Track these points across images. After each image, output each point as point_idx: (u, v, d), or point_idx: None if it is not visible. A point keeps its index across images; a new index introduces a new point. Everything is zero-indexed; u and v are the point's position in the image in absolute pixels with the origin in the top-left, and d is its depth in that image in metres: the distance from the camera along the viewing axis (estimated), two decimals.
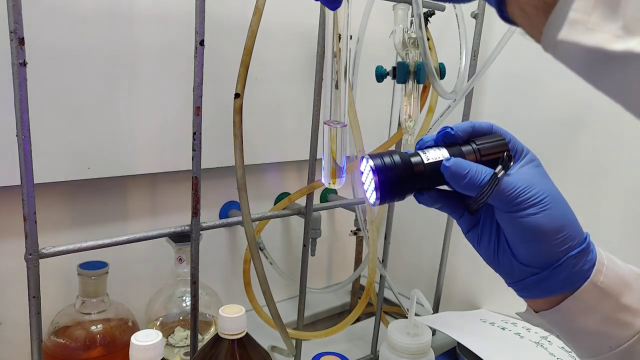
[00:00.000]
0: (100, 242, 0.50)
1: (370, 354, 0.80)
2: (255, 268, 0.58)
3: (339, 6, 0.39)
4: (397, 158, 0.37)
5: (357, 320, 0.94)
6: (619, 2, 0.19)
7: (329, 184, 0.46)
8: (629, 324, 0.34)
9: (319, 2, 0.40)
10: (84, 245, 0.49)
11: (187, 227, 0.56)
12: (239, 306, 0.51)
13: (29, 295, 0.46)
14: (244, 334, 0.51)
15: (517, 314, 0.43)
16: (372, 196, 0.38)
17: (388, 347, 0.60)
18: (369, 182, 0.37)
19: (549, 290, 0.35)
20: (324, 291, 0.89)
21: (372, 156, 0.37)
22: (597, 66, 0.20)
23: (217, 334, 0.51)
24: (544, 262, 0.35)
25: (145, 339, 0.45)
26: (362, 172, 0.38)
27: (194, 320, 0.57)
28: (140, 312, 0.73)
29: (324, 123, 0.46)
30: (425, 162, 0.37)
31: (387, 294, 0.92)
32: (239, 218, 0.59)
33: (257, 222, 0.71)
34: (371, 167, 0.36)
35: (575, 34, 0.20)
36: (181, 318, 0.73)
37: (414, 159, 0.37)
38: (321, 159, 0.48)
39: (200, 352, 0.53)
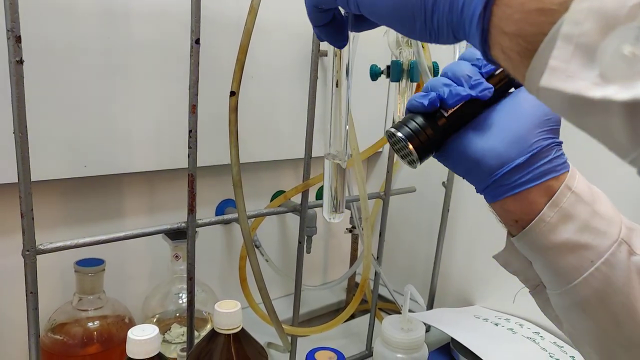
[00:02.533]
0: (97, 238, 0.51)
1: (365, 350, 0.81)
2: (250, 264, 0.59)
3: (345, 45, 0.39)
4: (420, 120, 0.38)
5: (352, 317, 0.95)
6: (595, 50, 0.20)
7: (330, 219, 0.46)
8: (606, 232, 0.34)
9: None
10: (81, 241, 0.49)
11: (183, 224, 0.56)
12: (235, 301, 0.52)
13: (26, 291, 0.47)
14: (239, 329, 0.52)
15: (494, 257, 0.43)
16: (412, 162, 0.39)
17: (382, 343, 0.61)
18: (404, 151, 0.39)
19: (527, 181, 0.35)
20: (320, 288, 0.90)
21: (397, 128, 0.39)
22: (579, 111, 0.21)
23: (213, 329, 0.52)
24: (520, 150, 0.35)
25: (141, 334, 0.45)
26: (392, 144, 0.40)
27: (191, 316, 0.58)
28: (137, 310, 0.73)
29: (325, 157, 0.46)
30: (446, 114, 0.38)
31: (382, 291, 0.92)
32: (235, 215, 0.60)
33: (252, 220, 0.72)
34: (401, 137, 0.38)
35: (556, 81, 0.21)
36: (178, 315, 0.73)
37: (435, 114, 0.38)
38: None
39: (196, 347, 0.54)
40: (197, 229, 0.57)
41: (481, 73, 0.38)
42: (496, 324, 0.77)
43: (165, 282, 0.75)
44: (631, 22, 0.19)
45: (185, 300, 0.72)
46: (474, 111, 0.38)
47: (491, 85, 0.37)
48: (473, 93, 0.37)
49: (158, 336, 0.46)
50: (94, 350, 0.64)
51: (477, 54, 0.35)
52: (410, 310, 0.62)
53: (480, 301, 0.88)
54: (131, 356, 0.45)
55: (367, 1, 0.28)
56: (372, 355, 0.81)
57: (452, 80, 0.38)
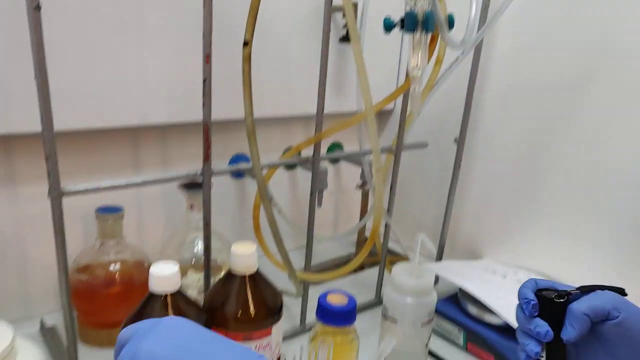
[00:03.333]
0: (117, 182, 0.53)
1: (374, 298, 0.84)
2: (265, 210, 0.60)
3: None
4: None
5: (362, 269, 0.97)
6: None
7: None
8: None
9: None
10: (103, 185, 0.51)
11: (199, 172, 0.58)
12: (251, 243, 0.54)
13: (54, 229, 0.49)
14: (255, 270, 0.54)
15: None
16: None
17: (392, 288, 0.63)
18: None
19: None
20: (330, 239, 0.92)
21: None
22: None
23: (229, 271, 0.54)
24: None
25: (163, 269, 0.47)
26: None
27: (208, 258, 0.60)
28: (154, 258, 0.76)
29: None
30: None
31: (392, 245, 0.95)
32: (249, 164, 0.61)
33: (266, 170, 0.73)
34: None
35: None
36: (193, 262, 0.76)
37: None
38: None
39: (212, 288, 0.56)
40: (211, 182, 0.58)
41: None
42: (504, 276, 0.78)
43: (180, 232, 0.77)
44: None
45: (200, 248, 0.75)
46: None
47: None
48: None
49: (179, 272, 0.48)
50: (116, 290, 0.67)
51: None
52: (419, 262, 0.63)
53: (489, 255, 0.90)
54: (153, 290, 0.48)
55: None
56: (381, 303, 0.83)
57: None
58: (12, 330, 0.47)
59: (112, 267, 0.67)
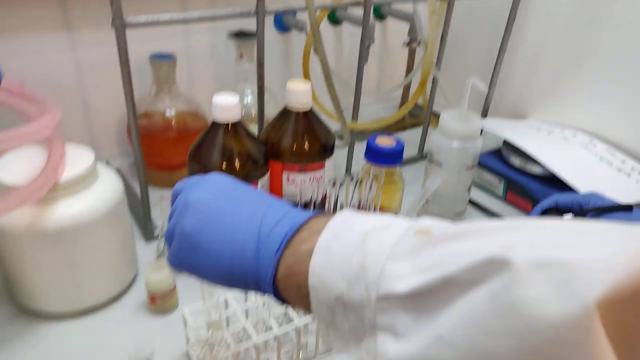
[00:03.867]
0: (175, 16, 0.53)
1: (417, 154, 0.86)
2: (316, 50, 0.60)
3: None
4: None
5: (404, 130, 0.99)
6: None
7: None
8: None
9: None
10: (161, 18, 0.52)
11: (252, 11, 0.57)
12: (306, 80, 0.55)
13: (120, 62, 0.51)
14: (309, 107, 0.56)
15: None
16: None
17: (439, 133, 0.64)
18: None
19: None
20: (375, 99, 0.93)
21: None
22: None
23: (284, 108, 0.56)
24: None
25: (225, 98, 0.50)
26: None
27: (261, 99, 0.62)
28: (206, 108, 0.79)
29: None
30: None
31: (436, 107, 0.94)
32: (302, 4, 0.60)
33: (318, 12, 0.72)
34: None
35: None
36: (243, 113, 0.79)
37: None
38: None
39: (269, 125, 0.59)
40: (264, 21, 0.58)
41: None
42: (550, 132, 0.79)
43: (229, 83, 0.79)
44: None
45: (250, 99, 0.77)
46: None
47: None
48: None
49: (240, 103, 0.51)
50: (172, 135, 0.71)
51: None
52: None
53: (535, 115, 0.89)
54: (216, 119, 0.50)
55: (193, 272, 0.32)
56: (424, 158, 0.86)
57: None
58: (93, 153, 0.51)
59: (168, 113, 0.71)
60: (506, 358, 0.19)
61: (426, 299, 0.22)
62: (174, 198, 0.34)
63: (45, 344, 0.50)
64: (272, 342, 0.47)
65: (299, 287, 0.27)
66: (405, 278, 0.23)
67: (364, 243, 0.25)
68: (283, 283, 0.28)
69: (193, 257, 0.31)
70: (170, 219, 0.33)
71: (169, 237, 0.33)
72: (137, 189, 0.66)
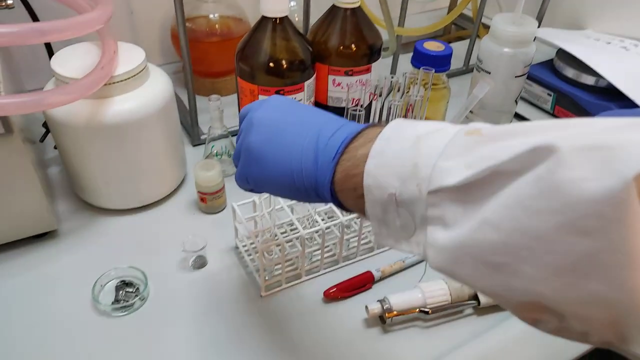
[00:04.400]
0: None
1: (462, 66, 0.83)
2: None
3: None
4: None
5: (449, 42, 0.95)
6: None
7: None
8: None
9: None
10: None
11: None
12: None
13: None
14: (358, 3, 0.54)
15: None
16: None
17: (489, 38, 0.62)
18: None
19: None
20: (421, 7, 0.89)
21: None
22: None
23: (332, 5, 0.55)
24: None
25: None
26: None
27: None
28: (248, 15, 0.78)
29: None
30: None
31: (485, 20, 0.90)
32: None
33: None
34: None
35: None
36: None
37: None
38: None
39: (315, 25, 0.58)
40: None
41: None
42: (608, 43, 0.74)
43: None
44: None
45: (293, 4, 0.75)
46: None
47: None
48: None
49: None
50: (216, 40, 0.71)
51: None
52: None
53: (592, 26, 0.84)
54: (265, 13, 0.50)
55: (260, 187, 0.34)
56: (470, 71, 0.83)
57: None
58: (144, 52, 0.52)
59: (211, 17, 0.70)
60: (548, 234, 0.20)
61: (474, 189, 0.23)
62: (241, 121, 0.36)
63: (106, 234, 0.54)
64: (317, 238, 0.50)
65: (355, 188, 0.28)
66: (455, 172, 0.24)
67: (417, 144, 0.26)
68: (340, 186, 0.29)
69: (258, 171, 0.33)
70: (237, 140, 0.36)
71: (237, 157, 0.36)
72: (181, 95, 0.68)
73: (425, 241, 0.25)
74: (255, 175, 0.33)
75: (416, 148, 0.26)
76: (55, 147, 0.58)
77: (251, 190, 0.37)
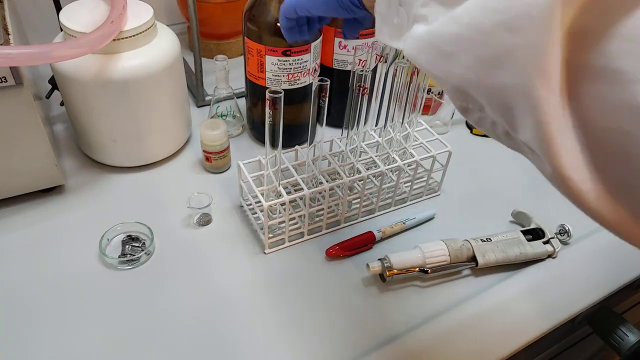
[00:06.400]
0: None
1: None
2: None
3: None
4: None
5: None
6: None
7: None
8: None
9: None
10: None
11: None
12: None
13: None
14: None
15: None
16: None
17: None
18: None
19: None
20: None
21: None
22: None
23: None
24: None
25: None
26: None
27: None
28: None
29: None
30: None
31: None
32: None
33: None
34: None
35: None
36: None
37: None
38: None
39: None
40: None
41: None
42: None
43: None
44: None
45: None
46: None
47: None
48: None
49: None
50: (222, 0, 0.70)
51: None
52: None
53: None
54: None
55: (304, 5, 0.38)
56: None
57: None
58: (152, 9, 0.52)
59: None
60: (488, 29, 0.23)
61: None
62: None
63: (112, 191, 0.55)
64: (320, 198, 0.51)
65: None
66: None
67: None
68: None
69: None
70: None
71: None
72: (186, 57, 0.68)
73: (407, 34, 0.29)
74: None
75: None
76: (61, 104, 0.58)
77: (291, 26, 0.40)
